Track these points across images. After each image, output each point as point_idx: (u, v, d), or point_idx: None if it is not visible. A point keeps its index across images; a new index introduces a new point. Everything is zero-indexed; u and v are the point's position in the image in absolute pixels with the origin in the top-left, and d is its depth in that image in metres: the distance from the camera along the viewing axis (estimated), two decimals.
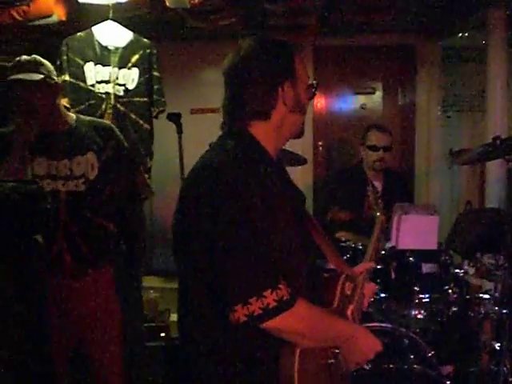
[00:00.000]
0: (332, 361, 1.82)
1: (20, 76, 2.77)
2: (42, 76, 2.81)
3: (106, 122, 3.16)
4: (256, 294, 1.58)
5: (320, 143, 5.93)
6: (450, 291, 3.37)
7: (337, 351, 1.83)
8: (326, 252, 2.05)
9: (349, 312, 1.98)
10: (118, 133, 3.06)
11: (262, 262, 1.61)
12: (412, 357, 3.13)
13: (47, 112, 2.85)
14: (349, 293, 2.00)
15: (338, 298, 1.93)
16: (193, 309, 1.80)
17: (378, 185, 4.24)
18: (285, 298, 1.60)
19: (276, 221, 1.70)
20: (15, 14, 3.91)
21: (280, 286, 1.60)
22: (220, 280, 1.63)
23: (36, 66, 2.83)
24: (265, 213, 1.66)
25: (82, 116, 3.07)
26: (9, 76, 2.80)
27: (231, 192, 1.64)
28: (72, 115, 3.02)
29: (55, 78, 2.93)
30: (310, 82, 1.93)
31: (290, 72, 1.84)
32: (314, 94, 1.96)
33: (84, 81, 3.90)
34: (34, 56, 2.88)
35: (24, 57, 2.85)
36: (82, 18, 4.11)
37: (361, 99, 6.00)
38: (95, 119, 3.21)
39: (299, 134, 1.96)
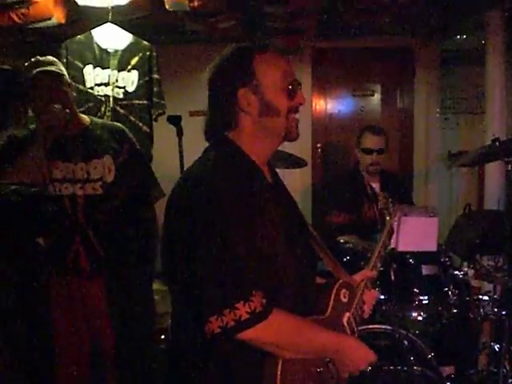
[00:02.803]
0: (321, 369, 1.78)
1: (48, 68, 2.83)
2: (60, 71, 2.89)
3: (118, 124, 3.17)
4: (228, 306, 1.57)
5: (318, 145, 5.94)
6: (449, 293, 3.37)
7: (327, 360, 1.80)
8: (323, 258, 2.03)
9: (344, 320, 1.93)
10: (131, 135, 3.08)
11: (234, 273, 1.59)
12: (412, 358, 3.13)
13: (65, 107, 2.86)
14: (345, 300, 1.96)
15: (331, 305, 1.89)
16: (178, 316, 1.82)
17: (376, 186, 4.24)
18: (257, 310, 1.59)
19: (255, 231, 1.69)
20: (15, 17, 3.91)
21: (252, 298, 1.59)
22: (196, 291, 1.62)
23: (54, 64, 2.90)
24: (241, 224, 1.65)
25: (95, 119, 3.11)
26: (29, 73, 2.84)
27: (207, 204, 1.64)
28: (86, 117, 3.04)
29: (69, 80, 3.00)
30: (287, 83, 1.84)
31: (245, 79, 1.80)
32: (293, 94, 1.84)
33: (83, 83, 3.89)
34: (49, 57, 2.95)
35: (39, 57, 2.91)
36: (81, 21, 4.12)
37: (359, 101, 6.01)
38: (108, 122, 3.26)
39: (291, 137, 1.88)
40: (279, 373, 1.65)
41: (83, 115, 3.07)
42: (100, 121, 3.14)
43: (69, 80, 2.98)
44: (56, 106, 2.79)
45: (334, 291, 1.93)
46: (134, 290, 3.03)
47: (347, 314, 1.95)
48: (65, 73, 2.96)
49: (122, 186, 2.94)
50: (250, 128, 1.84)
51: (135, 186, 3.01)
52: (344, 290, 1.96)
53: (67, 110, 2.83)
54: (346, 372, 1.85)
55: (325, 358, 1.80)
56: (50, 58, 2.93)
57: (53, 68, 2.85)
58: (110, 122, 3.35)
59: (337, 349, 1.79)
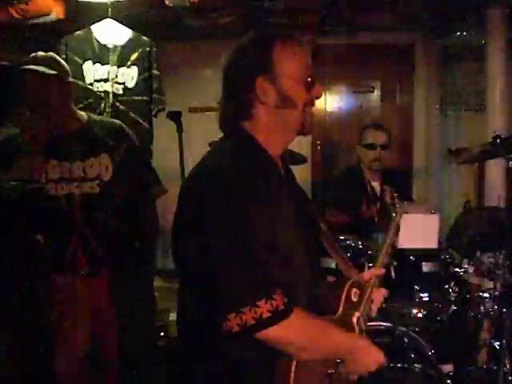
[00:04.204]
0: (332, 371, 1.75)
1: (34, 67, 2.74)
2: (56, 72, 2.78)
3: (117, 121, 3.11)
4: (249, 304, 1.51)
5: (318, 142, 5.93)
6: (449, 290, 3.36)
7: (338, 361, 1.76)
8: (333, 256, 2.01)
9: (354, 319, 1.89)
10: (129, 131, 3.03)
11: (255, 270, 1.55)
12: (412, 356, 3.12)
13: (58, 110, 2.83)
14: (355, 299, 1.92)
15: (342, 304, 1.86)
16: (189, 313, 1.77)
17: (376, 185, 4.21)
18: (279, 308, 1.54)
19: (273, 226, 1.65)
20: (14, 13, 3.90)
21: (275, 295, 1.54)
22: (213, 287, 1.57)
23: (52, 63, 2.81)
24: (261, 219, 1.61)
25: (92, 115, 3.05)
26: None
27: (225, 197, 1.60)
28: (83, 114, 2.99)
29: (69, 78, 2.91)
30: (306, 75, 1.82)
31: (264, 67, 1.75)
32: (311, 87, 1.83)
33: (82, 79, 3.89)
34: (50, 53, 2.87)
35: (40, 53, 2.84)
36: (80, 17, 4.11)
37: (359, 98, 5.99)
38: (106, 118, 3.21)
39: (305, 131, 1.85)
40: (293, 374, 1.61)
41: (81, 112, 3.02)
42: (98, 118, 3.09)
43: (67, 79, 2.89)
44: (34, 116, 2.77)
45: (346, 290, 1.89)
46: (135, 288, 3.00)
47: (357, 314, 1.91)
48: (60, 71, 2.84)
49: (119, 185, 2.90)
50: (264, 119, 1.79)
51: (134, 184, 2.98)
52: (355, 290, 1.93)
53: (55, 113, 2.81)
54: (356, 373, 1.83)
55: (336, 360, 1.77)
56: (49, 54, 2.86)
57: (39, 68, 2.74)
58: (109, 119, 3.29)
59: (350, 349, 1.76)
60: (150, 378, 3.14)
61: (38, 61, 2.79)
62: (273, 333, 1.55)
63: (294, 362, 1.62)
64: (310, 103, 1.84)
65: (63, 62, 2.94)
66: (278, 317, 1.54)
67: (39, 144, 2.81)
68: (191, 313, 1.75)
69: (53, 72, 2.77)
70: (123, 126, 3.05)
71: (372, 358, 1.81)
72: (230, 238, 1.57)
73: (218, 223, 1.58)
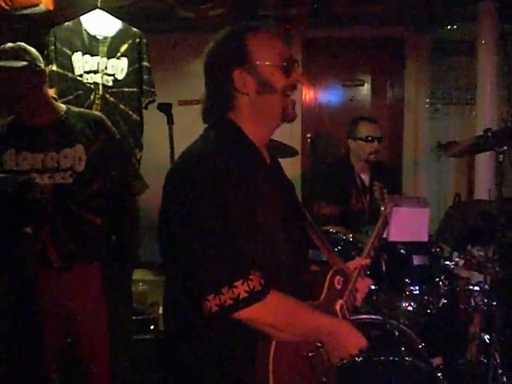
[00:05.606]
0: (313, 354, 1.79)
1: (1, 63, 2.70)
2: (24, 63, 2.73)
3: (97, 113, 3.08)
4: (227, 284, 1.57)
5: (308, 135, 5.92)
6: (440, 283, 3.37)
7: (319, 344, 1.80)
8: (318, 245, 2.04)
9: (337, 306, 1.94)
10: (109, 124, 2.99)
11: (233, 252, 1.60)
12: (402, 349, 3.13)
13: (33, 100, 2.79)
14: (339, 287, 1.97)
15: (325, 291, 1.90)
16: (172, 298, 1.82)
17: (366, 177, 4.24)
18: (256, 289, 1.59)
19: (254, 211, 1.70)
20: (2, 3, 3.85)
21: (251, 276, 1.59)
22: (193, 269, 1.62)
23: (19, 54, 2.76)
24: (241, 203, 1.65)
25: (72, 107, 3.00)
26: None
27: (207, 182, 1.64)
28: (62, 106, 2.95)
29: (41, 64, 2.85)
30: (282, 60, 1.84)
31: (239, 59, 1.81)
32: (289, 71, 1.85)
33: (72, 71, 3.85)
34: (18, 43, 2.81)
35: (8, 44, 2.79)
36: (69, 7, 4.07)
37: (349, 91, 5.99)
38: (85, 110, 3.15)
39: (288, 117, 1.88)
40: (272, 355, 1.65)
41: (60, 104, 2.99)
42: (77, 109, 3.03)
43: (38, 66, 2.81)
44: (14, 101, 2.76)
45: (329, 277, 1.93)
46: (111, 284, 2.95)
47: (340, 301, 1.96)
48: (29, 60, 2.77)
49: (94, 177, 2.86)
50: (247, 109, 1.84)
51: (110, 177, 2.94)
52: (338, 277, 1.98)
53: (29, 103, 2.77)
54: (337, 357, 1.86)
55: (317, 343, 1.80)
56: (17, 44, 2.79)
57: (6, 63, 2.70)
58: (89, 111, 3.24)
59: (330, 332, 1.80)
60: (127, 372, 3.10)
61: (5, 53, 2.74)
62: (250, 313, 1.61)
63: (273, 344, 1.66)
64: (290, 87, 1.87)
65: (32, 49, 2.84)
66: (254, 297, 1.60)
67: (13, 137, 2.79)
68: (174, 299, 1.79)
69: (21, 64, 2.72)
70: (103, 118, 3.01)
71: (353, 340, 1.85)
72: (209, 221, 1.61)
73: (200, 208, 1.63)
